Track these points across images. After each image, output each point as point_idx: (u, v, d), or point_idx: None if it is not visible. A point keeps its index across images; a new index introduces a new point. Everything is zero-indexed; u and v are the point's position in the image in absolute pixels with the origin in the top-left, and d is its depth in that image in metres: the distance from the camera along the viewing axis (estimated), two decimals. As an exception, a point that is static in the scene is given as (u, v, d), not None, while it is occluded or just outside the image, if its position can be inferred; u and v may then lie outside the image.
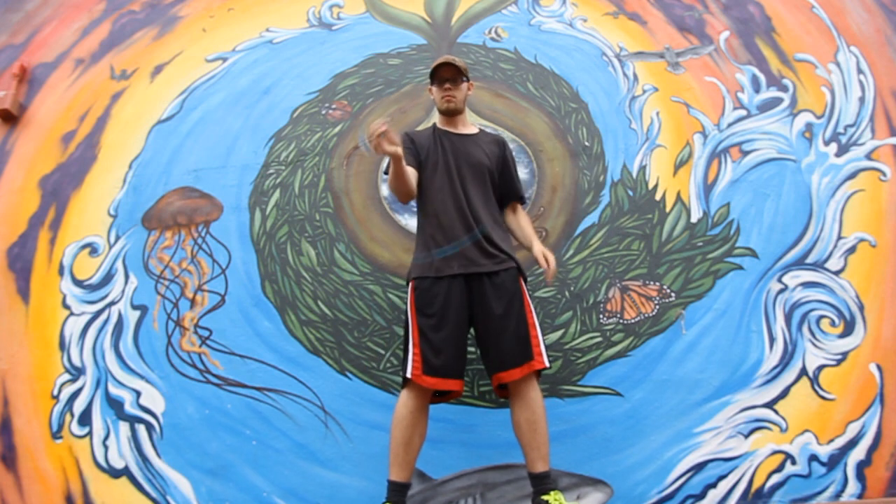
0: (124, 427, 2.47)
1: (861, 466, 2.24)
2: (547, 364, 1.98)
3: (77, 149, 3.03)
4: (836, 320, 2.45)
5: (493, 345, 1.99)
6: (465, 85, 2.26)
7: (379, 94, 3.00)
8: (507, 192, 2.29)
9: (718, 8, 3.10)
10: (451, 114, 2.25)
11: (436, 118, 2.34)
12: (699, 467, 2.26)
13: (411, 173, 2.07)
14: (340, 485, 2.31)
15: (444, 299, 1.98)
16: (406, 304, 2.09)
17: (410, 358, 1.96)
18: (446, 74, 2.21)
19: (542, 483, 1.88)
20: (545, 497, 1.84)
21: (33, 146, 3.07)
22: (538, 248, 2.17)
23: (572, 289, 2.55)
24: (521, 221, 2.30)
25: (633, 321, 2.48)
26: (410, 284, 2.08)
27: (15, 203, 2.94)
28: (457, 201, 2.09)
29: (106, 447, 2.46)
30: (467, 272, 2.01)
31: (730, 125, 2.80)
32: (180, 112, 3.06)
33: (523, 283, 2.08)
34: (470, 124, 2.36)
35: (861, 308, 2.45)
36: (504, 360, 1.96)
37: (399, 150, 1.89)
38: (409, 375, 1.94)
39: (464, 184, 2.12)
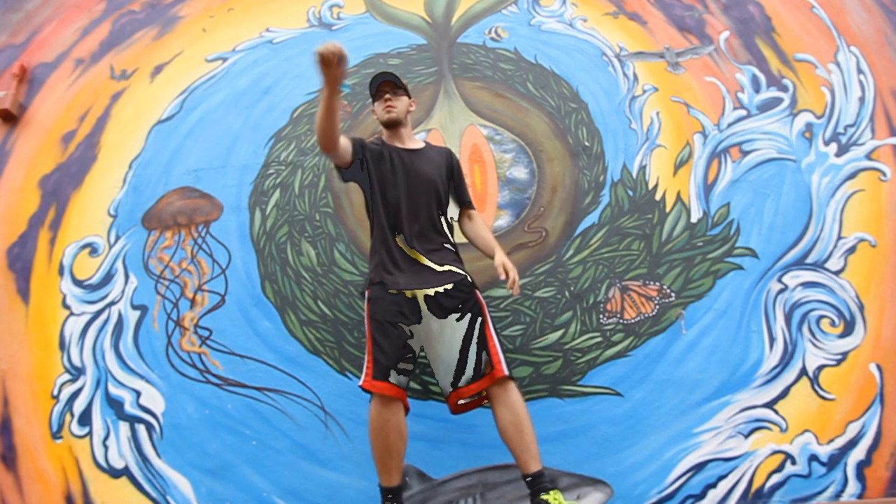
0: (124, 427, 2.47)
1: (861, 466, 2.24)
2: (507, 372, 1.96)
3: (77, 149, 3.03)
4: (836, 320, 2.45)
5: (451, 359, 1.99)
6: (405, 98, 2.28)
7: (379, 94, 3.00)
8: (456, 200, 2.33)
9: (718, 8, 3.10)
10: (393, 125, 2.25)
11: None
12: (699, 467, 2.26)
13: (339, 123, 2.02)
14: (340, 485, 2.31)
15: (394, 308, 1.98)
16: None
17: (365, 366, 1.99)
18: (385, 87, 2.25)
19: (539, 482, 1.87)
20: (545, 496, 1.83)
21: (33, 146, 3.07)
22: (499, 259, 2.11)
23: (572, 289, 2.55)
24: (479, 229, 2.30)
25: (633, 321, 2.48)
26: (367, 293, 2.09)
27: (15, 203, 2.94)
28: (408, 216, 2.09)
29: (106, 447, 2.46)
30: (419, 290, 2.00)
31: (730, 125, 2.80)
32: (180, 112, 3.06)
33: (478, 293, 2.09)
34: (415, 139, 2.36)
35: (861, 308, 2.45)
36: (465, 374, 1.97)
37: (337, 76, 1.86)
38: (360, 384, 1.97)
39: (415, 199, 2.12)
